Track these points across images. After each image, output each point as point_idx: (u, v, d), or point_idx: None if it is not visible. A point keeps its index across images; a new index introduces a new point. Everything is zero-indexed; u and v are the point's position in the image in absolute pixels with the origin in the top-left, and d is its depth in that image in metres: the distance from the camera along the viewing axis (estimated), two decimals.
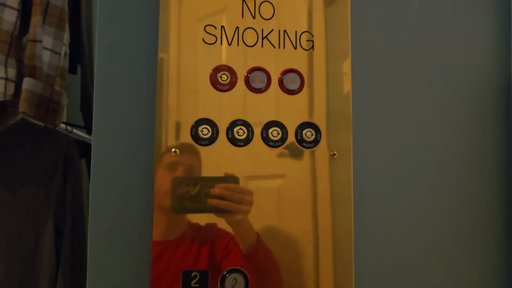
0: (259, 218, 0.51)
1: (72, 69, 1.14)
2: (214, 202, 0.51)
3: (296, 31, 0.54)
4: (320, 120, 0.54)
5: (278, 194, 0.52)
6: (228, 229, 0.51)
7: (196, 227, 0.50)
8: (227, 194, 0.51)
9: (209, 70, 0.52)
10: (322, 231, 0.52)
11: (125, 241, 0.51)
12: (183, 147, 0.51)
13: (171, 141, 0.51)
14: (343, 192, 0.53)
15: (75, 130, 1.17)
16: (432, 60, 0.60)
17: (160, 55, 0.51)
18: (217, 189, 0.51)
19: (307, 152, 0.53)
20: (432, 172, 0.59)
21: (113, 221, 0.51)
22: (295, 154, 0.53)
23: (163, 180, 0.50)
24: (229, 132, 0.52)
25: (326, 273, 0.52)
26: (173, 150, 0.50)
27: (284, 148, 0.52)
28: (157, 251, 0.49)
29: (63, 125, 1.10)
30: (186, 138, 0.51)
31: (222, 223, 0.51)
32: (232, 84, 0.52)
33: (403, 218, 0.57)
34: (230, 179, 0.51)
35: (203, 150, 0.51)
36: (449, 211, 0.59)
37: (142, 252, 0.51)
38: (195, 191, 0.51)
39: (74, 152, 1.10)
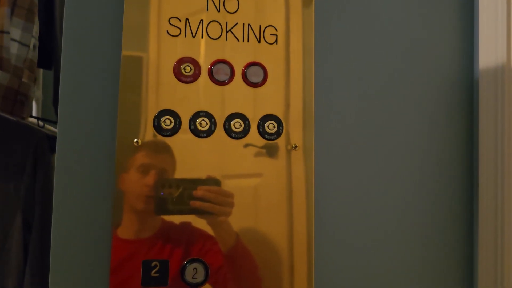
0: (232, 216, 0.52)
1: (47, 65, 1.13)
2: (197, 204, 0.51)
3: (260, 25, 0.55)
4: (282, 112, 0.54)
5: (250, 190, 0.53)
6: (207, 230, 0.51)
7: (169, 227, 0.50)
8: (210, 196, 0.51)
9: (172, 62, 0.53)
10: (286, 225, 0.53)
11: (89, 236, 0.51)
12: (145, 138, 0.51)
13: (133, 131, 0.51)
14: (304, 184, 0.54)
15: (46, 125, 1.15)
16: (397, 60, 0.61)
17: (125, 46, 0.51)
18: (199, 191, 0.51)
19: (268, 144, 0.54)
20: (395, 170, 0.60)
21: (77, 215, 0.51)
22: (257, 146, 0.53)
23: (125, 173, 0.50)
24: (192, 123, 0.52)
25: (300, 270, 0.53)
26: (135, 140, 0.51)
27: (246, 139, 0.53)
28: (119, 247, 0.49)
29: (34, 120, 1.08)
30: (149, 128, 0.51)
31: (200, 224, 0.51)
32: (195, 76, 0.53)
33: (365, 213, 0.59)
34: (212, 181, 0.52)
35: (165, 140, 0.51)
36: (411, 208, 0.60)
37: (106, 246, 0.51)
38: (177, 193, 0.51)
39: (45, 147, 1.09)
